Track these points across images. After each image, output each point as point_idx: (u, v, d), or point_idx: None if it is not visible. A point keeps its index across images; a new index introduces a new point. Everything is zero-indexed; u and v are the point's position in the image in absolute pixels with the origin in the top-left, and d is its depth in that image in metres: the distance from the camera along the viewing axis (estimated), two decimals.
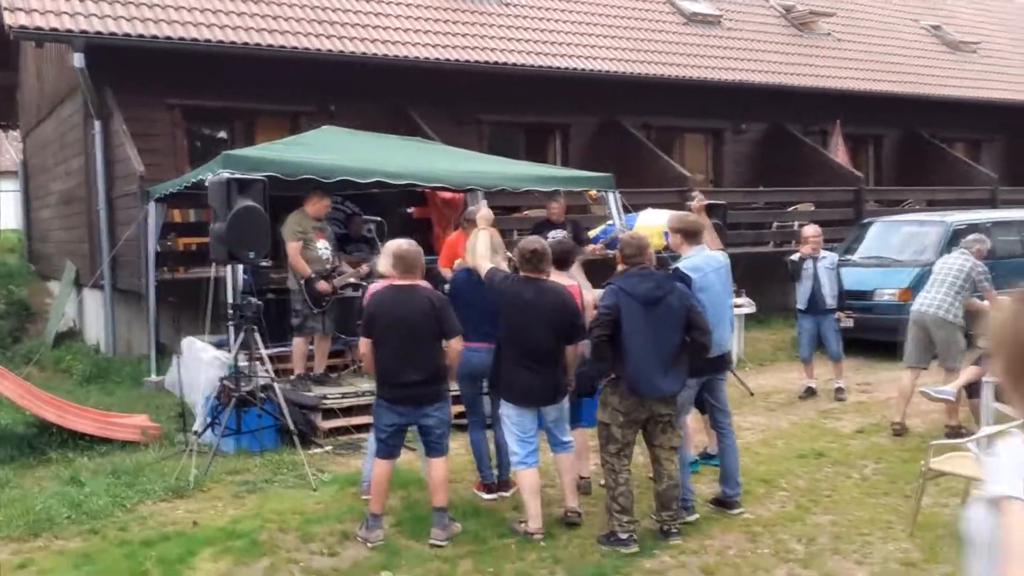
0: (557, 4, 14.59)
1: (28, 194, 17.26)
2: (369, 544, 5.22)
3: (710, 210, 8.99)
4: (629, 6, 15.36)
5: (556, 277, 5.69)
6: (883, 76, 16.68)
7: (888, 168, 17.97)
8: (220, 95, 11.46)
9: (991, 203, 16.13)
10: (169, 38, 10.64)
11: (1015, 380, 1.82)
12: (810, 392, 9.30)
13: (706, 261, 5.74)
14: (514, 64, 12.84)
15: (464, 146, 10.96)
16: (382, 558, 5.08)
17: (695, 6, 16.19)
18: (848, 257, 11.68)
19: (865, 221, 13.49)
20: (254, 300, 7.07)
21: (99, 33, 10.27)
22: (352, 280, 8.45)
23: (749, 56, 15.49)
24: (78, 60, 10.20)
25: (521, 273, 5.48)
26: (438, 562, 5.03)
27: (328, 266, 8.26)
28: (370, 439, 5.87)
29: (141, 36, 10.50)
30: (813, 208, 14.74)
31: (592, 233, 10.07)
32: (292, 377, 8.15)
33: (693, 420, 6.47)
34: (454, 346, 5.33)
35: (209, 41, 10.82)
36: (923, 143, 17.51)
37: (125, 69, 10.67)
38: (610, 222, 9.76)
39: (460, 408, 6.43)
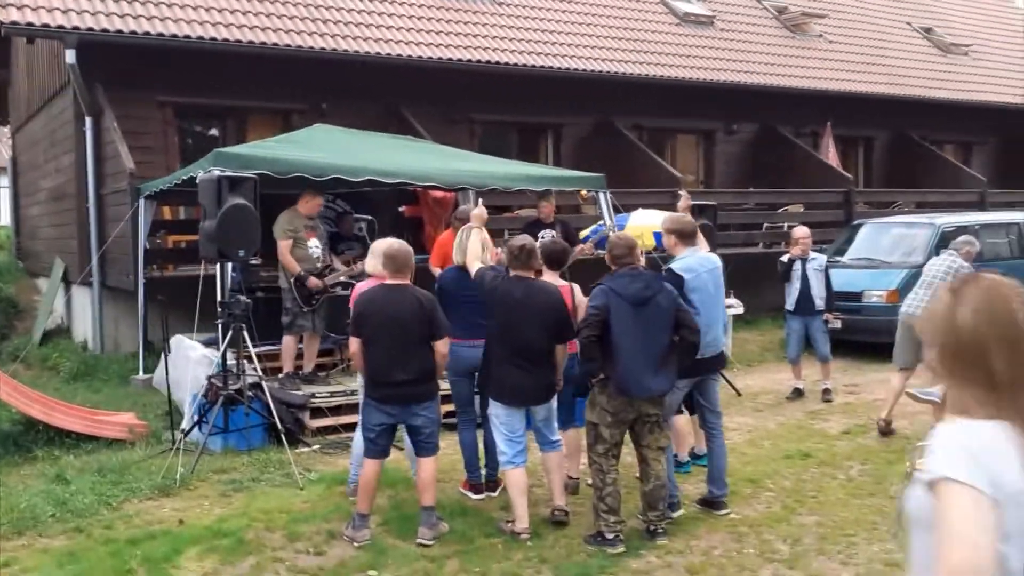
0: (550, 4, 14.59)
1: (17, 191, 17.19)
2: (356, 543, 5.22)
3: (700, 211, 9.07)
4: (622, 6, 15.37)
5: (548, 278, 5.71)
6: (874, 78, 16.75)
7: (878, 170, 18.04)
8: (212, 93, 11.45)
9: (980, 205, 16.21)
10: (161, 35, 10.62)
11: (949, 370, 1.88)
12: (798, 393, 9.33)
13: (700, 262, 5.76)
14: (507, 63, 12.84)
15: (456, 145, 10.97)
16: (368, 557, 5.08)
17: (688, 7, 16.22)
18: (837, 258, 11.72)
19: (855, 223, 13.54)
20: (243, 298, 7.06)
21: (91, 30, 10.24)
22: (342, 279, 8.45)
23: (741, 57, 15.53)
24: (70, 57, 10.17)
25: (511, 271, 5.49)
26: (424, 561, 5.03)
27: (319, 264, 8.26)
28: (355, 438, 5.87)
29: (133, 33, 10.48)
30: (803, 209, 14.79)
31: (583, 233, 10.09)
32: (281, 375, 8.14)
33: (686, 423, 6.49)
34: (440, 348, 5.32)
35: (201, 39, 10.80)
36: (913, 145, 17.58)
37: (117, 66, 10.65)
38: (601, 222, 9.79)
39: (449, 407, 6.44)
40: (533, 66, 13.04)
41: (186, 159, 10.84)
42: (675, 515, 5.63)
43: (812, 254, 9.28)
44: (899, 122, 17.43)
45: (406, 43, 12.27)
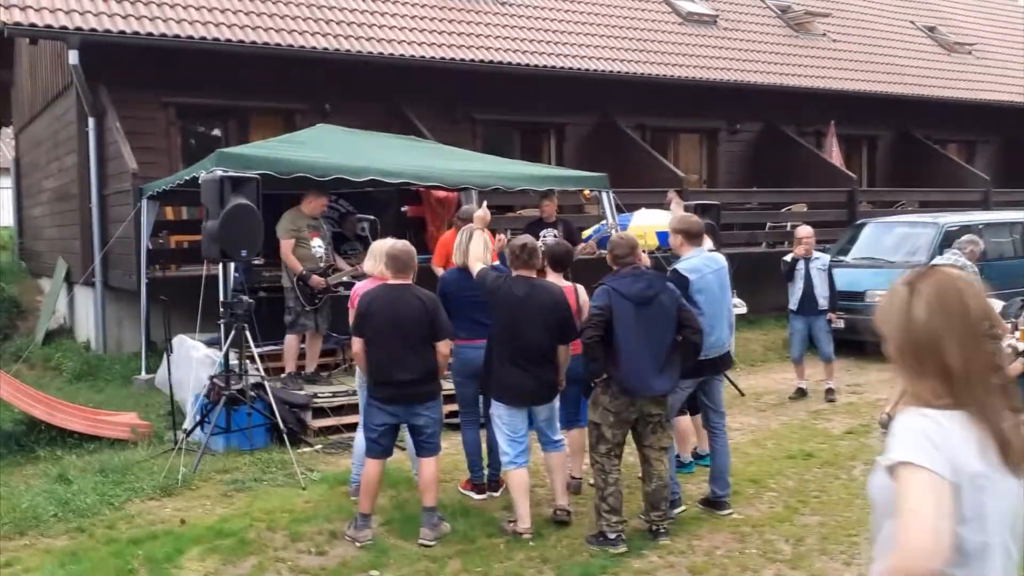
0: (553, 3, 14.58)
1: (20, 191, 17.21)
2: (357, 543, 5.22)
3: (704, 211, 9.05)
4: (625, 5, 15.35)
5: (553, 279, 5.71)
6: (878, 77, 16.71)
7: (882, 169, 18.00)
8: (215, 93, 11.46)
9: (984, 205, 16.17)
10: (164, 36, 10.62)
11: (906, 362, 1.91)
12: (801, 393, 9.32)
13: (705, 262, 5.74)
14: (509, 63, 12.82)
15: (459, 145, 10.97)
16: (370, 557, 5.07)
17: (691, 6, 16.19)
18: (841, 258, 11.70)
19: (858, 222, 13.51)
20: (245, 298, 7.06)
21: (94, 30, 10.24)
22: (345, 278, 8.45)
23: (745, 56, 15.50)
24: (73, 57, 10.18)
25: (513, 272, 5.49)
26: (426, 562, 5.03)
27: (322, 264, 8.27)
28: (357, 438, 5.87)
29: (136, 34, 10.48)
30: (806, 209, 14.76)
31: (586, 233, 10.08)
32: (283, 375, 8.14)
33: (688, 423, 6.48)
34: (442, 348, 5.32)
35: (204, 39, 10.80)
36: (917, 144, 17.54)
37: (120, 67, 10.65)
38: (604, 221, 9.77)
39: (451, 407, 6.43)
40: (536, 66, 13.02)
41: (189, 159, 10.84)
42: (676, 512, 5.62)
43: (815, 254, 9.27)
44: (903, 121, 17.40)
45: (409, 43, 12.26)
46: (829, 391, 9.21)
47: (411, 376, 5.19)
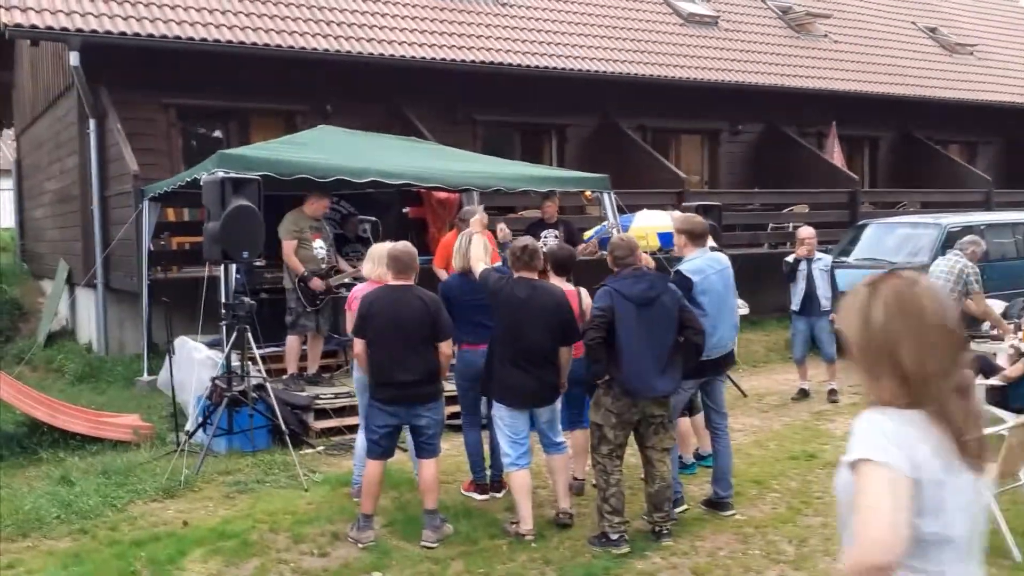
0: (553, 4, 14.57)
1: (22, 193, 17.22)
2: (360, 545, 5.22)
3: (705, 211, 9.04)
4: (626, 6, 15.35)
5: (556, 282, 5.71)
6: (879, 78, 16.70)
7: (883, 170, 17.99)
8: (216, 94, 11.45)
9: (986, 205, 16.16)
10: (165, 37, 10.62)
11: (865, 363, 1.96)
12: (803, 394, 9.31)
13: (708, 263, 5.73)
14: (510, 64, 12.82)
15: (459, 146, 10.96)
16: (373, 559, 5.07)
17: (692, 7, 16.19)
18: (843, 259, 11.69)
19: (860, 223, 13.50)
20: (247, 300, 7.05)
21: (95, 32, 10.24)
22: (347, 280, 8.45)
23: (746, 57, 15.49)
24: (74, 59, 10.18)
25: (515, 273, 5.48)
26: (429, 563, 5.02)
27: (324, 265, 8.28)
28: (358, 439, 5.86)
29: (137, 35, 10.48)
30: (808, 210, 14.75)
31: (587, 234, 10.07)
32: (285, 377, 8.14)
33: (690, 424, 6.47)
34: (444, 349, 5.32)
35: (205, 40, 10.80)
36: (919, 145, 17.53)
37: (120, 68, 10.65)
38: (605, 222, 9.77)
39: (452, 409, 6.42)
40: (536, 67, 13.02)
41: (190, 161, 10.84)
42: (678, 511, 5.61)
43: (817, 254, 9.26)
44: (904, 122, 17.39)
45: (409, 44, 12.26)
46: (832, 392, 9.20)
47: (412, 377, 5.19)
